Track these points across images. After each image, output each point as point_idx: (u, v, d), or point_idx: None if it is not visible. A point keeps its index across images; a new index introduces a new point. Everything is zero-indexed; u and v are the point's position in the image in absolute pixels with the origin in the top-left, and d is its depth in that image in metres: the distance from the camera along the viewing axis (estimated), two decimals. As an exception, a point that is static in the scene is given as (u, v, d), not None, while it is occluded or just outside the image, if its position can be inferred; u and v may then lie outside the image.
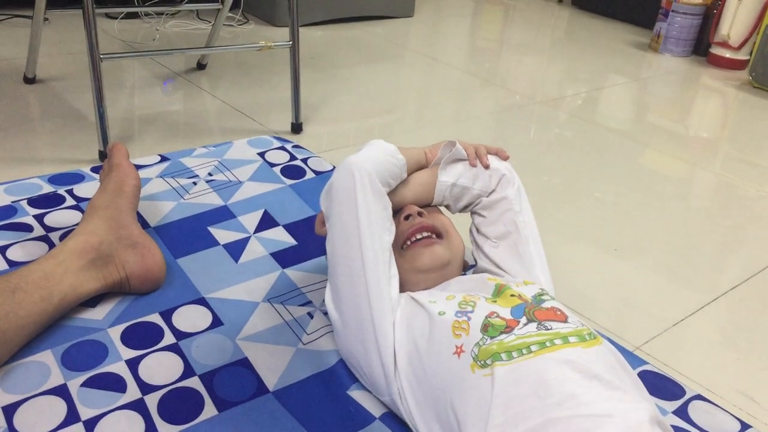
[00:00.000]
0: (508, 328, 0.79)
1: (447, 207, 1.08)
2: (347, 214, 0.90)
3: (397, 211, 1.02)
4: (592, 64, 2.82)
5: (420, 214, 1.00)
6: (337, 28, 2.90)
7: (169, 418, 0.84)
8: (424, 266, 0.95)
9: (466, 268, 1.05)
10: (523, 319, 0.80)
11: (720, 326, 1.26)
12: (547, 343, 0.75)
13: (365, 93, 2.23)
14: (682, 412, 0.95)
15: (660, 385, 0.99)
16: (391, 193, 1.01)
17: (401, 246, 0.97)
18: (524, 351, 0.75)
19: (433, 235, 0.98)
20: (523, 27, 3.36)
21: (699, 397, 0.98)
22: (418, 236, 0.97)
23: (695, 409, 0.96)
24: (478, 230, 1.06)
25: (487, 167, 1.04)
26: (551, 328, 0.78)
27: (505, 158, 1.07)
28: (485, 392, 0.73)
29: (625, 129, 2.18)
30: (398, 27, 3.06)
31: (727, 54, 2.85)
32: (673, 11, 2.91)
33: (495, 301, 0.85)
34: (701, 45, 2.98)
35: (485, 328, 0.79)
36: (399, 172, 0.99)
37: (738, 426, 0.93)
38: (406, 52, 2.78)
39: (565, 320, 0.81)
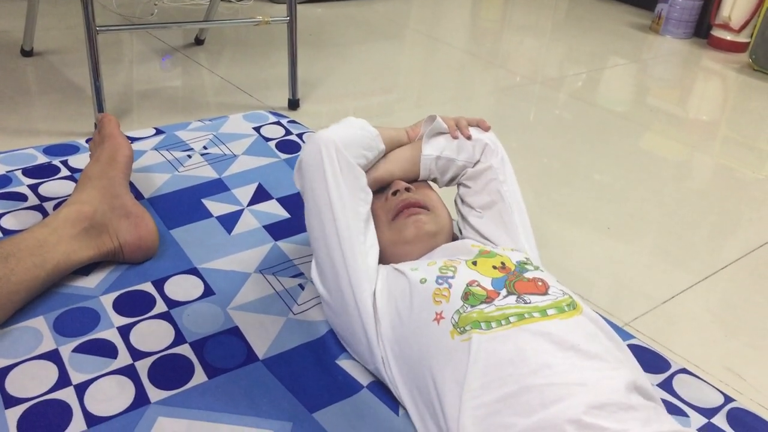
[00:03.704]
0: (488, 299, 0.79)
1: (434, 181, 1.08)
2: (318, 189, 0.91)
3: (385, 188, 1.02)
4: (592, 45, 2.81)
5: (408, 189, 1.01)
6: (337, 5, 2.89)
7: (160, 384, 0.85)
8: (411, 235, 0.95)
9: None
10: (503, 291, 0.81)
11: (709, 304, 1.27)
12: (526, 315, 0.76)
13: (364, 71, 2.23)
14: (666, 385, 0.96)
15: (645, 359, 0.99)
16: (378, 170, 1.02)
17: (390, 220, 0.98)
18: (503, 322, 0.76)
19: (420, 209, 0.99)
20: (525, 7, 3.34)
21: (684, 370, 0.99)
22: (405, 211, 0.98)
23: (680, 383, 0.97)
24: (462, 200, 1.07)
25: (468, 138, 1.05)
26: (530, 302, 0.79)
27: (486, 129, 1.08)
28: (463, 358, 0.74)
29: (625, 111, 2.18)
30: (399, 5, 3.04)
31: (728, 36, 2.84)
32: (675, -7, 2.90)
33: (475, 264, 0.86)
34: (702, 27, 2.97)
35: (466, 296, 0.80)
36: (373, 144, 0.99)
37: (722, 399, 0.94)
38: (407, 30, 2.77)
39: (545, 291, 0.81)
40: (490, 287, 0.82)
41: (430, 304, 0.81)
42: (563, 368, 0.70)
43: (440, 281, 0.84)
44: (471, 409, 0.70)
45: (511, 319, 0.76)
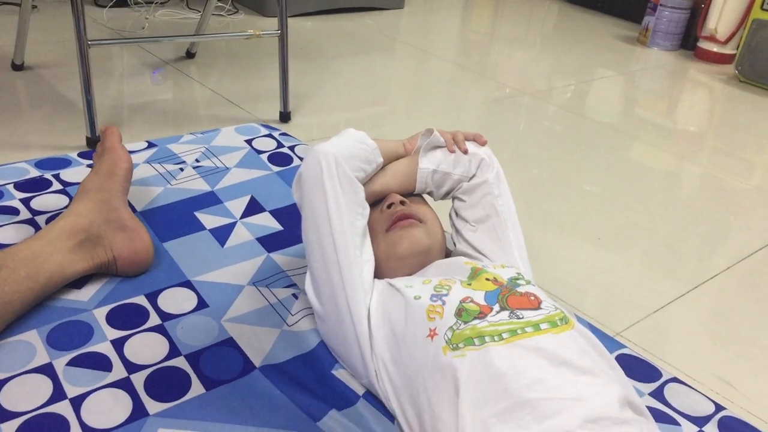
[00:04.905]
0: (481, 314, 0.80)
1: (430, 194, 1.09)
2: (316, 202, 0.91)
3: (381, 200, 1.03)
4: (581, 57, 2.84)
5: (402, 203, 1.01)
6: (327, 19, 2.91)
7: (157, 396, 0.85)
8: (404, 251, 0.96)
9: (449, 256, 1.06)
10: (496, 307, 0.81)
11: (699, 314, 1.28)
12: (518, 331, 0.77)
13: (355, 84, 2.24)
14: (658, 394, 0.96)
15: (637, 368, 1.00)
16: (375, 183, 1.02)
17: (385, 232, 0.98)
18: (496, 338, 0.76)
19: (414, 220, 0.99)
20: (513, 20, 3.37)
21: (675, 379, 1.00)
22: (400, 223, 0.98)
23: (671, 391, 0.97)
24: (457, 214, 1.07)
25: (465, 152, 1.06)
26: (522, 317, 0.79)
27: (483, 143, 1.09)
28: (456, 374, 0.74)
29: (613, 122, 2.20)
30: (389, 18, 3.06)
31: (715, 48, 2.87)
32: (661, 5, 2.93)
33: (470, 285, 0.87)
34: (689, 39, 3.00)
35: (459, 312, 0.81)
36: (371, 157, 0.99)
37: (712, 407, 0.95)
38: (397, 43, 2.78)
39: (537, 306, 0.82)
40: (483, 302, 0.82)
41: (423, 321, 0.82)
42: (556, 383, 0.71)
43: (434, 299, 0.84)
44: (468, 426, 0.70)
45: (504, 335, 0.76)
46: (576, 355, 0.75)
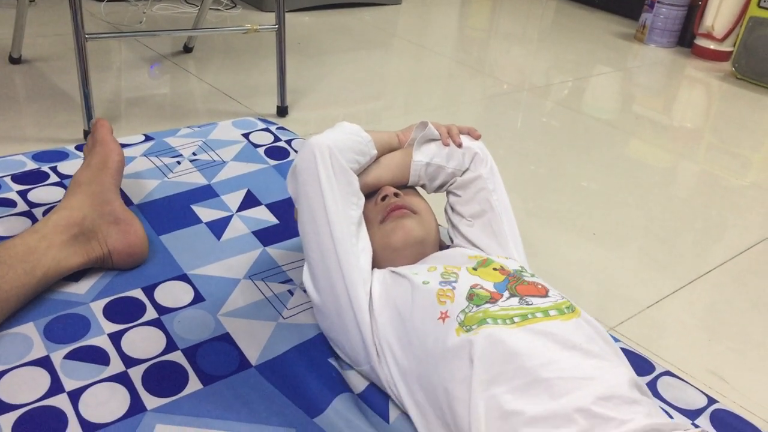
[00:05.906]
0: (492, 299, 0.81)
1: (423, 187, 1.10)
2: (312, 192, 0.92)
3: (374, 193, 1.04)
4: (578, 54, 2.84)
5: (396, 195, 1.02)
6: (325, 14, 2.91)
7: (154, 391, 0.85)
8: (398, 242, 0.97)
9: (443, 249, 1.07)
10: (506, 293, 0.83)
11: (693, 309, 1.29)
12: (529, 316, 0.78)
13: (352, 79, 2.24)
14: (651, 388, 0.97)
15: (630, 361, 0.99)
16: (368, 175, 1.03)
17: (379, 223, 0.99)
18: (507, 321, 0.78)
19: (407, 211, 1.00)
20: (511, 16, 3.37)
21: (668, 373, 1.01)
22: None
23: (664, 385, 0.98)
24: (453, 209, 1.08)
25: (459, 146, 1.06)
26: (532, 303, 0.81)
27: (477, 137, 1.09)
28: (470, 353, 0.75)
29: (611, 118, 2.20)
30: (386, 14, 3.06)
31: (711, 45, 2.88)
32: (658, 2, 2.94)
33: (476, 271, 0.88)
34: (686, 36, 3.01)
35: (470, 297, 0.82)
36: (365, 149, 1.00)
37: (705, 401, 0.96)
38: (395, 39, 2.78)
39: (545, 294, 0.84)
40: (492, 289, 0.84)
41: (434, 304, 0.83)
42: (569, 364, 0.73)
43: (443, 284, 0.85)
44: (481, 401, 0.72)
45: (515, 319, 0.78)
46: (584, 341, 0.77)
